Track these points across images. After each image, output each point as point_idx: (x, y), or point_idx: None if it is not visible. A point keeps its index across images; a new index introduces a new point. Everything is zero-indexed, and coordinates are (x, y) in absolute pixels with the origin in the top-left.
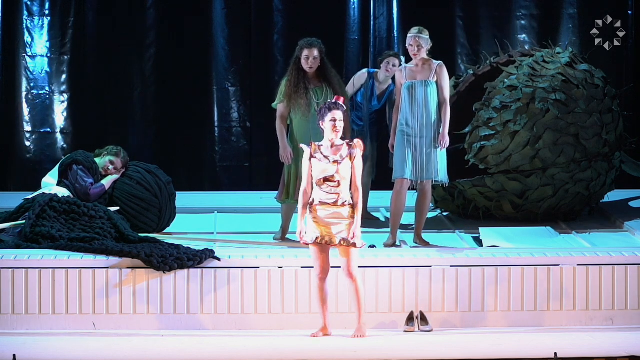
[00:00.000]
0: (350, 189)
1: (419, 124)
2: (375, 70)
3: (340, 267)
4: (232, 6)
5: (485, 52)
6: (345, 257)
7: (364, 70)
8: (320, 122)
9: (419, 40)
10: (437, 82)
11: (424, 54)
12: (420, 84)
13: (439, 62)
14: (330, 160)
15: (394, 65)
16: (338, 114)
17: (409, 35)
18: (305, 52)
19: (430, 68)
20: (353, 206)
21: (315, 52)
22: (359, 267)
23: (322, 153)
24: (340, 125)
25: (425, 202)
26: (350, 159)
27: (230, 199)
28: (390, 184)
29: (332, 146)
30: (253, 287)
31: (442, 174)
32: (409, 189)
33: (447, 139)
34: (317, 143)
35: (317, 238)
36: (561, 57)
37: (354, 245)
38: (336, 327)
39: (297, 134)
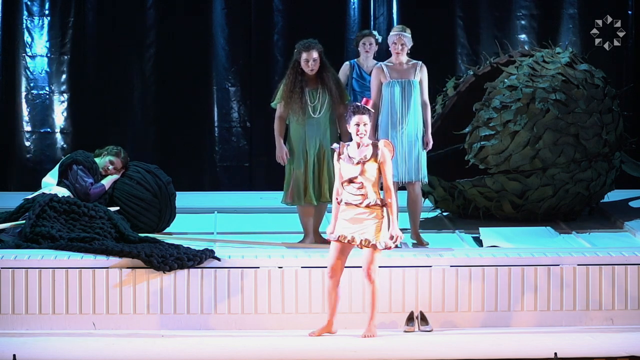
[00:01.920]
0: (382, 189)
1: (407, 125)
2: (355, 59)
3: (354, 267)
4: (232, 6)
5: (485, 52)
6: (366, 258)
7: (346, 63)
8: (347, 126)
9: (403, 39)
10: (419, 83)
11: (405, 53)
12: (408, 83)
13: (420, 61)
14: (354, 162)
15: (370, 44)
16: (364, 118)
17: (392, 33)
18: (304, 55)
19: (414, 67)
20: (384, 206)
21: (315, 54)
22: (379, 267)
23: (348, 154)
24: (364, 129)
25: (419, 204)
26: (375, 160)
27: (230, 199)
28: None
29: (358, 147)
30: (253, 287)
31: (425, 174)
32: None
33: (431, 140)
34: (346, 144)
35: (340, 237)
36: (561, 57)
37: (375, 246)
38: (336, 326)
39: (292, 136)
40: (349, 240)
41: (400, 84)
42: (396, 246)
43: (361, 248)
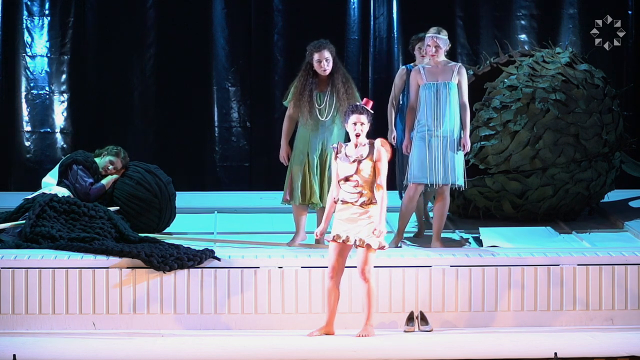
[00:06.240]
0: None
1: (442, 127)
2: (412, 64)
3: (354, 267)
4: (232, 6)
5: (485, 52)
6: (360, 258)
7: (402, 67)
8: (345, 124)
9: (437, 41)
10: (457, 84)
11: (442, 55)
12: (443, 85)
13: (459, 63)
14: (350, 160)
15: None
16: (362, 117)
17: (427, 35)
18: (316, 56)
19: (451, 69)
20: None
21: (326, 54)
22: (375, 267)
23: (345, 153)
24: (362, 128)
25: (445, 206)
26: (371, 159)
27: (230, 199)
28: None
29: (355, 147)
30: (253, 287)
31: (460, 178)
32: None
33: (469, 142)
34: (344, 143)
35: (335, 236)
36: (561, 57)
37: (369, 246)
38: (336, 327)
39: (297, 136)
40: (343, 240)
41: (434, 86)
42: (382, 247)
43: (356, 248)
